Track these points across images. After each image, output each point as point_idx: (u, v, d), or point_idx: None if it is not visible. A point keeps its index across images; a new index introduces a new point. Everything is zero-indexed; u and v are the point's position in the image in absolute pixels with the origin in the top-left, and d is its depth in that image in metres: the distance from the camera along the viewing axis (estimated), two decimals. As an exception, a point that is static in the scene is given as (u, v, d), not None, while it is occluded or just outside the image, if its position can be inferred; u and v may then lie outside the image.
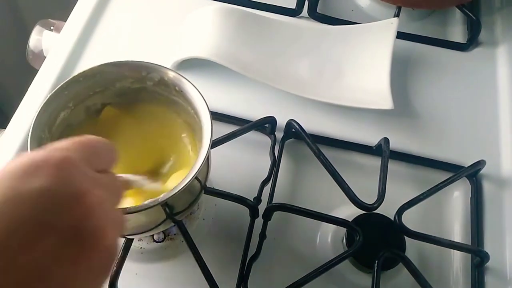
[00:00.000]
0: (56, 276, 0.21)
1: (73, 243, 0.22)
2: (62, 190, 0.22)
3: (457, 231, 0.51)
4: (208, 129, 0.37)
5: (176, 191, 0.34)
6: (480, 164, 0.52)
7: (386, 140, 0.52)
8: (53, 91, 0.38)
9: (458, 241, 0.50)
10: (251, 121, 0.53)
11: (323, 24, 0.63)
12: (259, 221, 0.48)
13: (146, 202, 0.34)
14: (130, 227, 0.39)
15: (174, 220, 0.41)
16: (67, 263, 0.22)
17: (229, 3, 0.62)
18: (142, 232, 0.41)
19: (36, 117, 0.36)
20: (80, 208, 0.22)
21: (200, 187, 0.42)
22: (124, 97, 0.42)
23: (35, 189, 0.21)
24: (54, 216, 0.21)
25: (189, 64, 0.57)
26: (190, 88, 0.39)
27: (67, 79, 0.39)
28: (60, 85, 0.38)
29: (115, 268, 0.43)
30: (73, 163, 0.24)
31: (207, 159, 0.38)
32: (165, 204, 0.37)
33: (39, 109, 0.37)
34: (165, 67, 0.40)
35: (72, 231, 0.22)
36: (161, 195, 0.34)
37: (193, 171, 0.35)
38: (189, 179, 0.35)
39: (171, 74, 0.40)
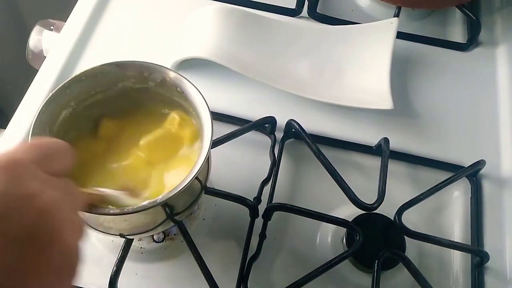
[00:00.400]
0: (18, 276, 0.21)
1: (28, 247, 0.21)
2: (12, 192, 0.22)
3: (457, 231, 0.51)
4: (208, 130, 0.37)
5: (176, 191, 0.34)
6: (480, 164, 0.52)
7: (386, 140, 0.52)
8: (55, 90, 0.38)
9: (458, 241, 0.50)
10: (251, 121, 0.53)
11: (323, 24, 0.63)
12: (259, 221, 0.48)
13: (145, 203, 0.34)
14: (129, 227, 0.39)
15: (174, 220, 0.41)
16: (26, 267, 0.21)
17: (229, 3, 0.62)
18: (142, 232, 0.41)
19: (37, 115, 0.36)
20: (32, 210, 0.22)
21: (201, 187, 0.42)
22: (125, 98, 0.42)
23: None
24: (5, 219, 0.21)
25: (189, 64, 0.57)
26: (191, 89, 0.39)
27: (69, 78, 0.39)
28: (62, 84, 0.38)
29: (115, 268, 0.43)
30: (22, 164, 0.23)
31: (208, 159, 0.38)
32: (165, 205, 0.37)
33: (40, 107, 0.36)
34: (167, 68, 0.40)
35: (25, 235, 0.21)
36: (161, 196, 0.34)
37: (193, 171, 0.35)
38: (189, 179, 0.35)
39: (173, 75, 0.40)
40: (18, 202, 0.22)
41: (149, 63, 0.40)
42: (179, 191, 0.34)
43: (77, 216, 0.26)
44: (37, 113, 0.36)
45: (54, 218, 0.23)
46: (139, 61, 0.40)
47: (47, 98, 0.37)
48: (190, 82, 0.39)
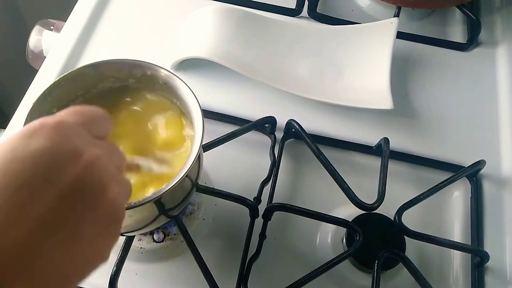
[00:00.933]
0: (64, 228, 0.22)
1: (75, 197, 0.23)
2: (61, 148, 0.23)
3: (457, 231, 0.51)
4: (199, 126, 0.37)
5: (166, 189, 0.34)
6: (480, 164, 0.52)
7: (386, 140, 0.52)
8: (36, 98, 0.37)
9: (458, 241, 0.50)
10: (251, 121, 0.53)
11: (323, 24, 0.63)
12: (259, 221, 0.48)
13: (136, 201, 0.34)
14: (124, 225, 0.39)
15: (169, 216, 0.41)
16: (73, 216, 0.23)
17: (229, 3, 0.62)
18: (138, 229, 0.41)
19: (24, 126, 0.36)
20: (79, 164, 0.23)
21: (191, 184, 0.42)
22: (107, 99, 0.41)
23: (35, 149, 0.23)
24: (55, 172, 0.23)
25: (189, 64, 0.57)
26: (176, 81, 0.39)
27: (49, 85, 0.38)
28: (42, 92, 0.38)
29: (115, 268, 0.43)
30: (69, 126, 0.25)
31: (198, 157, 0.38)
32: (157, 201, 0.37)
33: (25, 118, 0.36)
34: (146, 62, 0.40)
35: (73, 185, 0.23)
36: (150, 193, 0.35)
37: (183, 169, 0.35)
38: (179, 178, 0.35)
39: (154, 68, 0.39)
40: (65, 158, 0.23)
41: (127, 59, 0.40)
42: (169, 189, 0.34)
43: (122, 175, 0.28)
44: (23, 124, 0.35)
45: (99, 172, 0.24)
46: (116, 59, 0.40)
47: (30, 108, 0.36)
48: (174, 74, 0.39)
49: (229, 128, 0.52)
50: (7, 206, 0.21)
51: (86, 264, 0.24)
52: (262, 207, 0.48)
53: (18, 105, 0.55)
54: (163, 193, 0.34)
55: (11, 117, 0.54)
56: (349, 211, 0.49)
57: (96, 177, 0.24)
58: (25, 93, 0.56)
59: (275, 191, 0.50)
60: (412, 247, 0.48)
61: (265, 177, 0.50)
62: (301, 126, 0.52)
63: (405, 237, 0.47)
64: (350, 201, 0.47)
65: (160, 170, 0.38)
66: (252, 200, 0.48)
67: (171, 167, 0.39)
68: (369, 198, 0.47)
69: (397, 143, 0.54)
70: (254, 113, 0.54)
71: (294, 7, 0.64)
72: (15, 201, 0.21)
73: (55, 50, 0.59)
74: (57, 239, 0.22)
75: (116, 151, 0.28)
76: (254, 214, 0.48)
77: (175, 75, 0.39)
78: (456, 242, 0.50)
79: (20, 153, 0.22)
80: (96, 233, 0.24)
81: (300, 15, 0.64)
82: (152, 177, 0.39)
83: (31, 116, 0.37)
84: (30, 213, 0.21)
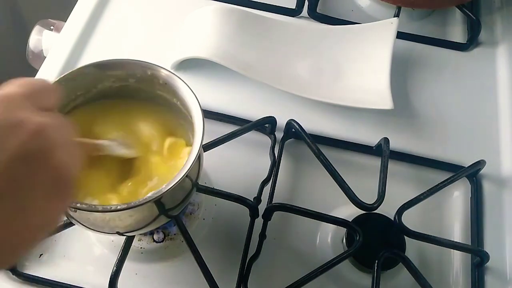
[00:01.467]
0: (10, 196, 0.23)
1: (20, 163, 0.23)
2: (5, 117, 0.24)
3: (457, 231, 0.51)
4: (199, 126, 0.37)
5: (166, 189, 0.34)
6: (480, 164, 0.52)
7: (386, 140, 0.52)
8: None
9: (458, 241, 0.50)
10: (251, 121, 0.53)
11: (323, 24, 0.63)
12: (259, 221, 0.48)
13: (136, 201, 0.34)
14: (125, 224, 0.39)
15: (169, 216, 0.41)
16: (17, 183, 0.23)
17: (229, 3, 0.62)
18: (138, 229, 0.41)
19: None
20: (22, 133, 0.24)
21: (192, 184, 0.42)
22: (108, 99, 0.41)
23: None
24: (1, 139, 0.23)
25: (189, 64, 0.57)
26: (176, 81, 0.39)
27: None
28: None
29: (115, 268, 0.43)
30: (11, 97, 0.25)
31: (199, 157, 0.38)
32: (158, 201, 0.37)
33: None
34: (146, 62, 0.40)
35: (16, 153, 0.23)
36: (150, 194, 0.35)
37: (183, 170, 0.35)
38: (179, 178, 0.35)
39: (154, 68, 0.39)
40: (8, 129, 0.24)
41: (127, 59, 0.40)
42: (168, 190, 0.34)
43: (71, 140, 0.28)
44: None
45: (45, 139, 0.25)
46: (116, 59, 0.40)
47: None
48: (174, 74, 0.39)
49: (229, 128, 0.52)
50: None
51: (34, 230, 0.25)
52: (262, 207, 0.48)
53: (18, 105, 0.55)
54: (163, 193, 0.34)
55: (11, 117, 0.54)
56: (349, 211, 0.49)
57: (41, 144, 0.25)
58: (25, 93, 0.55)
59: (275, 191, 0.50)
60: (412, 247, 0.48)
61: (265, 177, 0.50)
62: (301, 126, 0.52)
63: (405, 237, 0.47)
64: (350, 201, 0.47)
65: (126, 152, 0.38)
66: (252, 200, 0.48)
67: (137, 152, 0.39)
68: (369, 198, 0.47)
69: (397, 143, 0.54)
70: (254, 113, 0.54)
71: (294, 7, 0.64)
72: None
73: (55, 50, 0.59)
74: (2, 206, 0.22)
75: (65, 123, 0.29)
76: (254, 214, 0.48)
77: (176, 75, 0.39)
78: (456, 242, 0.50)
79: None
80: (42, 199, 0.24)
81: (300, 15, 0.64)
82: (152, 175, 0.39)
83: None
84: None
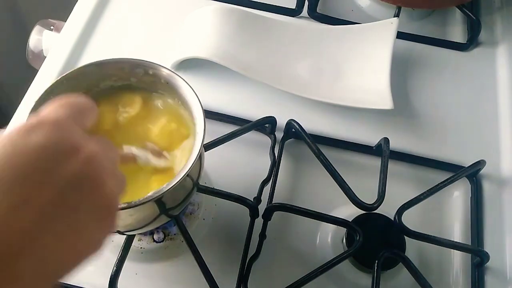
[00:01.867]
0: (62, 220, 0.23)
1: (73, 189, 0.24)
2: (61, 143, 0.24)
3: (457, 231, 0.51)
4: (201, 125, 0.37)
5: (167, 189, 0.34)
6: (480, 164, 0.52)
7: (386, 140, 0.52)
8: (38, 96, 0.37)
9: (458, 241, 0.50)
10: (251, 121, 0.53)
11: (323, 24, 0.63)
12: (259, 221, 0.48)
13: (137, 200, 0.34)
14: (125, 224, 0.39)
15: (169, 215, 0.41)
16: (71, 208, 0.24)
17: (229, 3, 0.62)
18: (139, 228, 0.41)
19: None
20: (78, 160, 0.24)
21: (193, 184, 0.42)
22: (109, 98, 0.41)
23: (36, 143, 0.23)
24: (55, 167, 0.24)
25: (189, 64, 0.57)
26: (177, 80, 0.39)
27: (51, 83, 0.38)
28: (44, 90, 0.38)
29: (115, 268, 0.43)
30: (66, 123, 0.26)
31: (200, 156, 0.38)
32: (158, 200, 0.37)
33: (28, 116, 0.35)
34: (148, 61, 0.40)
35: (72, 179, 0.24)
36: (151, 193, 0.35)
37: (185, 169, 0.35)
38: (180, 177, 0.35)
39: (155, 67, 0.39)
40: (64, 153, 0.24)
41: (129, 58, 0.40)
42: (169, 189, 0.34)
43: (117, 169, 0.29)
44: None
45: (96, 167, 0.25)
46: (118, 58, 0.40)
47: (32, 106, 0.36)
48: (175, 73, 0.39)
49: (229, 128, 0.52)
50: (14, 194, 0.22)
51: (82, 253, 0.25)
52: (262, 207, 0.48)
53: (18, 105, 0.55)
54: (164, 192, 0.34)
55: (11, 117, 0.54)
56: (349, 211, 0.49)
57: (93, 172, 0.25)
58: (25, 93, 0.55)
59: (275, 191, 0.50)
60: (412, 247, 0.48)
61: (265, 177, 0.50)
62: (301, 126, 0.52)
63: (405, 237, 0.47)
64: (350, 201, 0.47)
65: (158, 163, 0.38)
66: (252, 200, 0.48)
67: (169, 161, 0.39)
68: (369, 198, 0.47)
69: (397, 143, 0.54)
70: (254, 113, 0.54)
71: (294, 7, 0.64)
72: (17, 194, 0.22)
73: (55, 50, 0.59)
74: (55, 230, 0.23)
75: (111, 146, 0.29)
76: (254, 214, 0.48)
77: (177, 74, 0.39)
78: (456, 242, 0.50)
79: (20, 148, 0.23)
80: (93, 224, 0.25)
81: (300, 15, 0.64)
82: (155, 172, 0.39)
83: (32, 115, 0.37)
84: (32, 203, 0.22)
